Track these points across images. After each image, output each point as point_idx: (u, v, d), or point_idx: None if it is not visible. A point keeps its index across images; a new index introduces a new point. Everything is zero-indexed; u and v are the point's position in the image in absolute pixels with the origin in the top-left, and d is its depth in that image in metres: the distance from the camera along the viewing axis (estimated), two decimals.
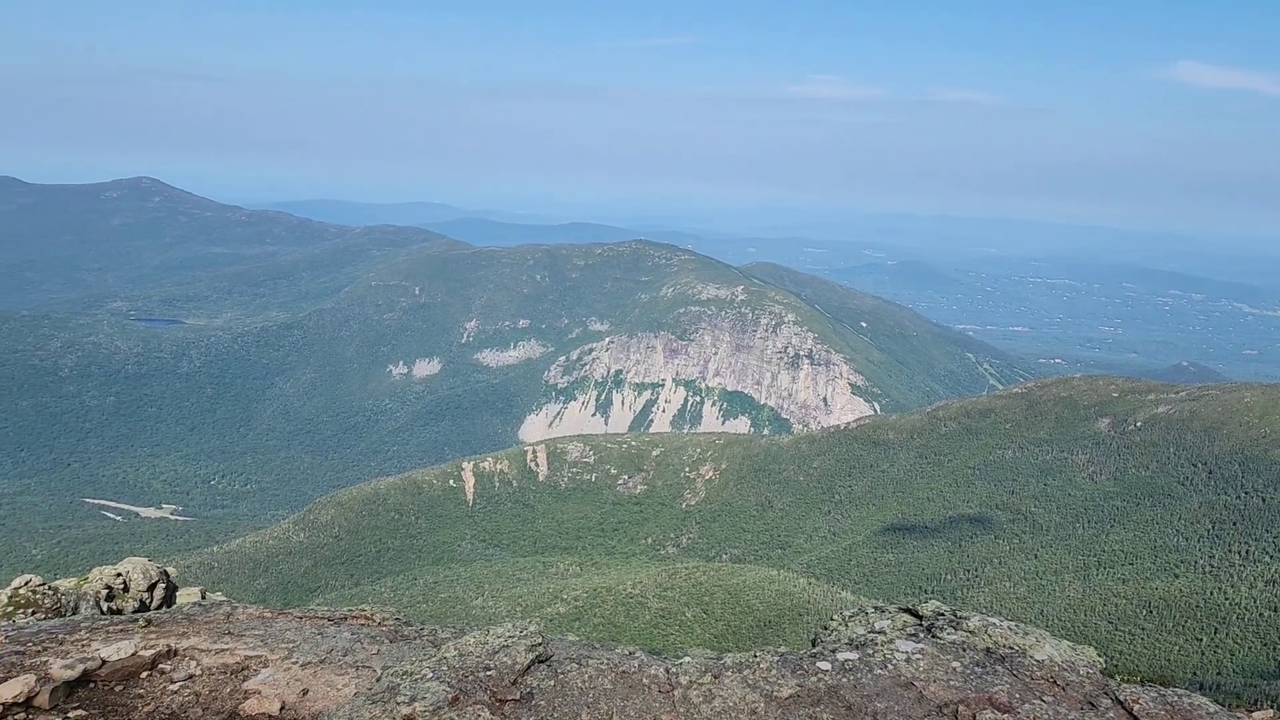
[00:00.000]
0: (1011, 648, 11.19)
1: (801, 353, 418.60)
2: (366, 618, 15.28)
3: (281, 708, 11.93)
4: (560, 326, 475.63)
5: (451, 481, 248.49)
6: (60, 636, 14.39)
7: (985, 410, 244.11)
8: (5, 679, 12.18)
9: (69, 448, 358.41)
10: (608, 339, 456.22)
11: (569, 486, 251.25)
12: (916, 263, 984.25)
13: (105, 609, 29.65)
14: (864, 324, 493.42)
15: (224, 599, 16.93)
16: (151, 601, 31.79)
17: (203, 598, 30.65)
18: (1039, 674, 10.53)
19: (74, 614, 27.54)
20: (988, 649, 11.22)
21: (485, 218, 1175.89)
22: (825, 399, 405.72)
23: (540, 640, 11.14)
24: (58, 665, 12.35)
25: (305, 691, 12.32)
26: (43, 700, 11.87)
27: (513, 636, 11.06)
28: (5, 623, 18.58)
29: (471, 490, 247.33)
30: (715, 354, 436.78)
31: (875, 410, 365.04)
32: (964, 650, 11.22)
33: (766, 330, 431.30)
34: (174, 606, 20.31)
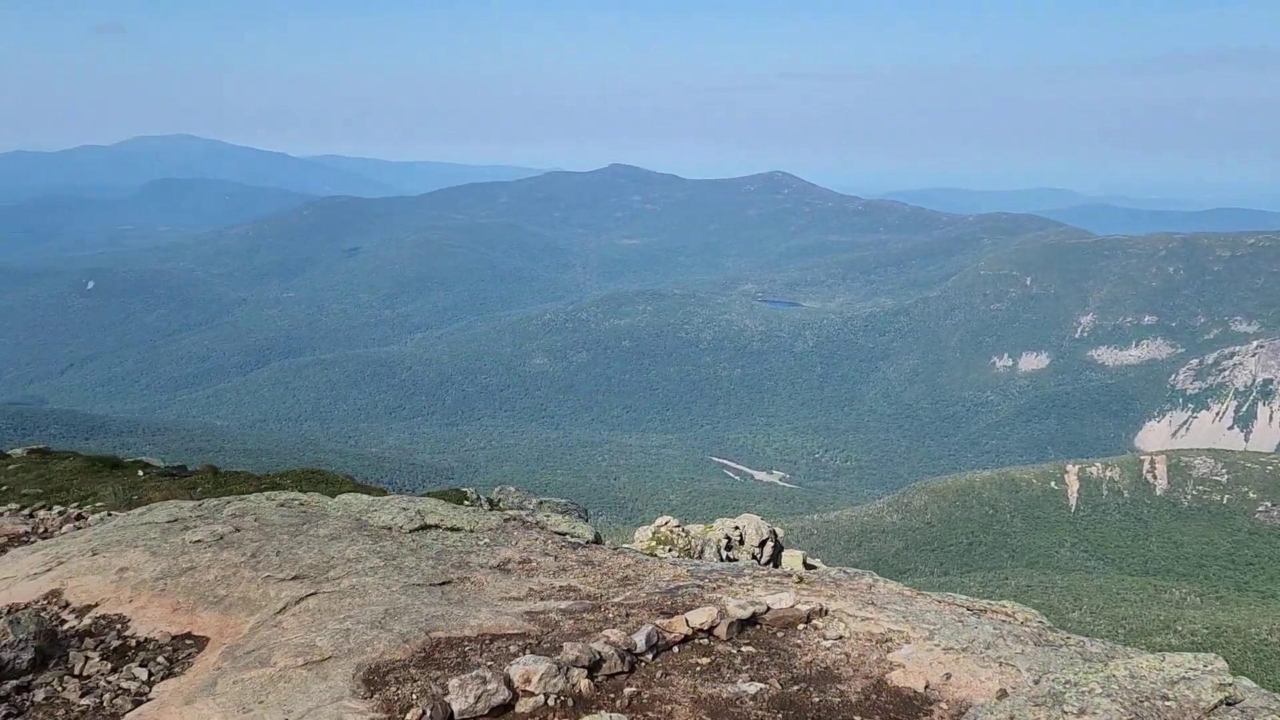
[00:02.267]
0: None
1: None
2: (1007, 614, 15.04)
3: (925, 686, 12.24)
4: (1194, 326, 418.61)
5: (1053, 483, 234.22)
6: (729, 579, 16.43)
7: None
8: (693, 608, 14.24)
9: (702, 411, 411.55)
10: (1255, 343, 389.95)
11: (1192, 505, 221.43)
12: None
13: (724, 556, 33.38)
14: None
15: (863, 571, 17.98)
16: (761, 556, 34.89)
17: (804, 562, 32.83)
18: None
19: (699, 557, 31.41)
20: None
21: (1110, 204, 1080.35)
22: None
23: (1230, 680, 9.88)
24: (733, 604, 14.07)
25: (948, 676, 12.48)
26: (721, 631, 13.64)
27: (1194, 669, 9.96)
28: (675, 560, 21.83)
29: (1075, 495, 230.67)
30: None
31: None
32: None
33: None
34: (820, 570, 22.07)
